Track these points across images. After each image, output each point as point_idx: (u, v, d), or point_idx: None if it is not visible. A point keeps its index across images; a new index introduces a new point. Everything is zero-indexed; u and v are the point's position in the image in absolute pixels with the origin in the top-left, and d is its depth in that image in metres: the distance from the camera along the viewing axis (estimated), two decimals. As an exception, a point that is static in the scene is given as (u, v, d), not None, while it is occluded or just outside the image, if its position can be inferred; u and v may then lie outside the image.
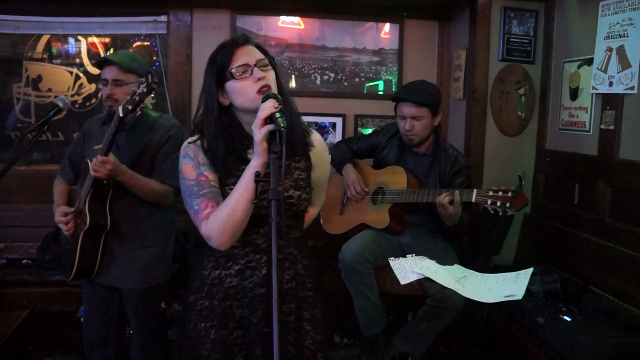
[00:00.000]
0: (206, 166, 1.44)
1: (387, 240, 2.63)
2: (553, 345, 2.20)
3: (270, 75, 1.43)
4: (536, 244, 2.99)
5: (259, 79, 1.39)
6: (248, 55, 1.42)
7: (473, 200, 2.27)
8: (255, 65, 1.40)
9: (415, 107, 2.52)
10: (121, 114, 1.83)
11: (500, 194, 2.20)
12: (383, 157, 2.75)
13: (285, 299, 1.47)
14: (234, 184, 1.37)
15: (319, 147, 1.58)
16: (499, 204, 2.19)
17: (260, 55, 1.44)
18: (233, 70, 1.40)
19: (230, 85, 1.42)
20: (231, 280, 1.47)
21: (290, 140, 1.41)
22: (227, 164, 1.43)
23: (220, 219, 1.35)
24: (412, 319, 2.55)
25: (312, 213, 1.70)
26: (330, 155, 1.69)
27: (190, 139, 1.49)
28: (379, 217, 2.64)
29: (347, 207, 2.81)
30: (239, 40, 1.45)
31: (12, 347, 2.62)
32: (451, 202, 2.28)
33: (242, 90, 1.41)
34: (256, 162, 1.31)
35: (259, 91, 1.38)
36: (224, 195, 1.41)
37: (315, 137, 1.58)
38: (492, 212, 2.21)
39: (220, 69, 1.42)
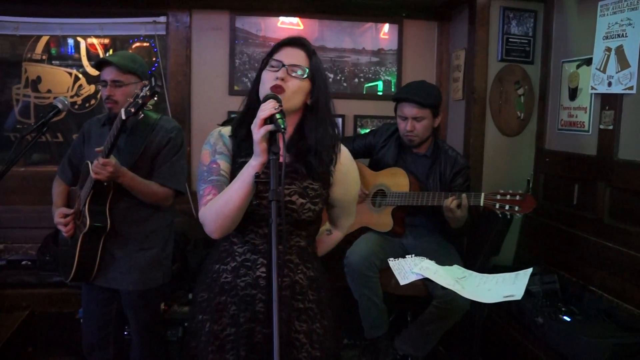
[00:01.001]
0: (221, 155, 1.46)
1: (390, 243, 2.61)
2: (553, 345, 2.20)
3: (296, 84, 1.40)
4: (536, 244, 2.99)
5: (277, 78, 1.38)
6: (289, 55, 1.42)
7: (481, 204, 2.27)
8: (286, 66, 1.40)
9: (417, 108, 2.51)
10: (124, 117, 1.81)
11: (508, 197, 2.20)
12: (380, 157, 2.72)
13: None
14: None
15: (344, 165, 1.54)
16: (507, 207, 2.18)
17: (299, 62, 1.42)
18: (270, 61, 1.43)
19: (262, 73, 1.44)
20: (226, 275, 1.48)
21: (312, 160, 1.42)
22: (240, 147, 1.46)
23: (214, 208, 1.37)
24: (416, 320, 2.52)
25: (334, 236, 1.70)
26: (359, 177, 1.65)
27: (218, 127, 1.53)
28: (381, 220, 2.62)
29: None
30: (293, 40, 1.46)
31: (12, 348, 2.61)
32: (459, 206, 2.28)
33: (264, 81, 1.42)
34: (255, 162, 1.30)
35: (271, 87, 1.37)
36: None
37: (342, 154, 1.54)
38: (500, 215, 2.21)
39: (266, 56, 1.45)
